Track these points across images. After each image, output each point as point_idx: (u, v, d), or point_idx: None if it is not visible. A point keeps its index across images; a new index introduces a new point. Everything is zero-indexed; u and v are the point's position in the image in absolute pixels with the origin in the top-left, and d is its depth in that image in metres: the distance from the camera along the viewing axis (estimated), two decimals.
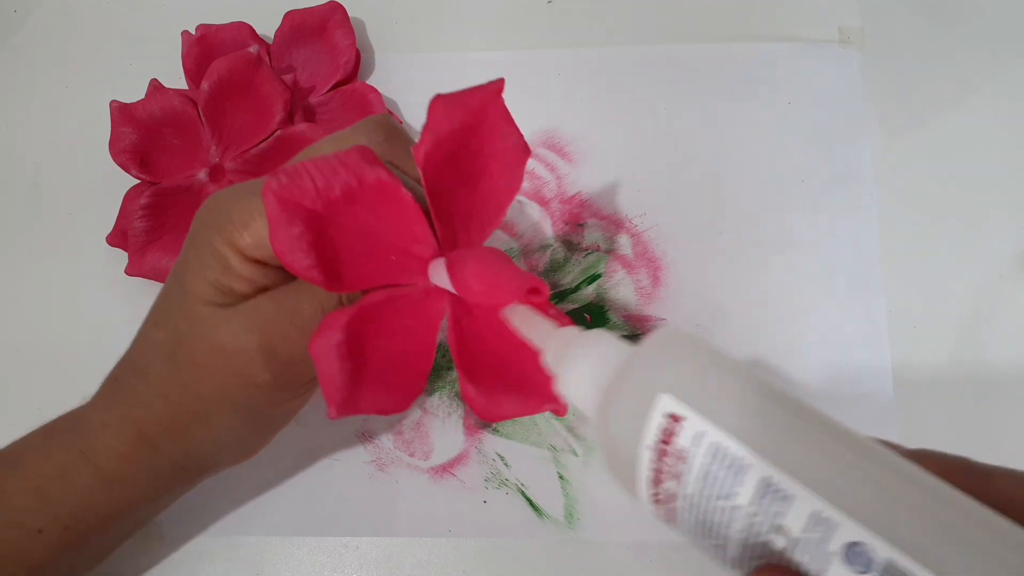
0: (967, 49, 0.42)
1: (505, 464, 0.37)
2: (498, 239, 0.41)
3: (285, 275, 0.28)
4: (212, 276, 0.27)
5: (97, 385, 0.31)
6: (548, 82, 0.43)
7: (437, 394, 0.38)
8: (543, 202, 0.41)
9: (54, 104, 0.45)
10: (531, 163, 0.42)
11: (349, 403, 0.26)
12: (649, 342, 0.23)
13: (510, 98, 0.44)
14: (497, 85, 0.28)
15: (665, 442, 0.20)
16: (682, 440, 0.20)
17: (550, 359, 0.26)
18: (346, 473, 0.37)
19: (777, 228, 0.40)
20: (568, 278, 0.40)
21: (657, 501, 0.21)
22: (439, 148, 0.26)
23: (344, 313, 0.26)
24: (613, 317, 0.39)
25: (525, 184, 0.41)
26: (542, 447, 0.37)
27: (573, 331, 0.26)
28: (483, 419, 0.30)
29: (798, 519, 0.18)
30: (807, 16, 0.43)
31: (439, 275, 0.27)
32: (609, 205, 0.41)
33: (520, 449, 0.37)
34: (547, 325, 0.26)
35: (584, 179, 0.41)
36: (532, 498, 0.37)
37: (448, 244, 0.28)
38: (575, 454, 0.37)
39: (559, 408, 0.27)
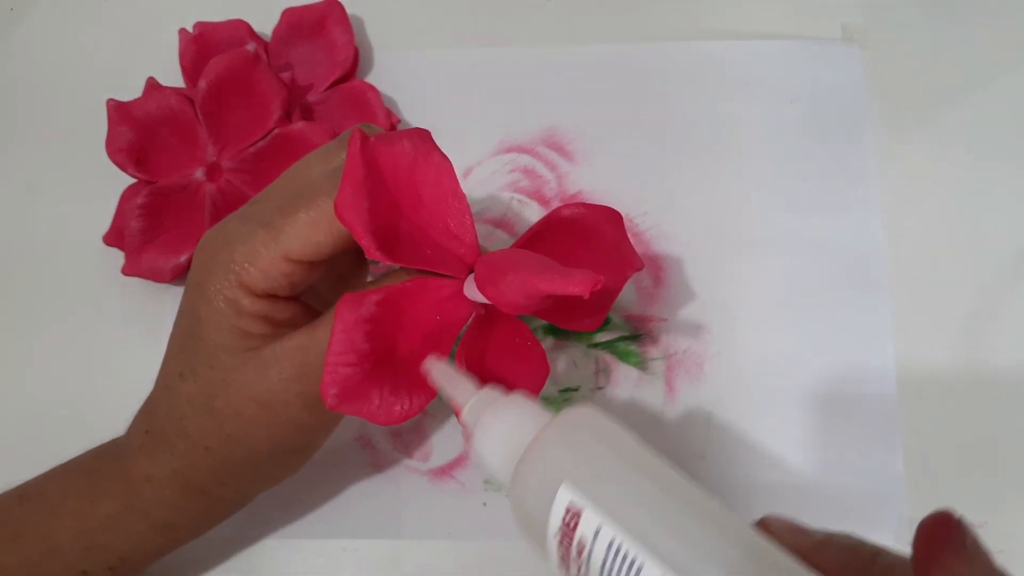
0: (970, 46, 0.42)
1: None
2: (498, 238, 0.40)
3: (296, 306, 0.29)
4: (228, 323, 0.27)
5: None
6: (548, 80, 0.43)
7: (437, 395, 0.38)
8: (543, 201, 0.41)
9: (50, 102, 0.44)
10: (531, 161, 0.41)
11: (353, 393, 0.26)
12: (556, 422, 0.23)
13: (510, 97, 0.44)
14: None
15: (565, 532, 0.20)
16: (581, 532, 0.20)
17: (466, 419, 0.26)
18: (345, 475, 0.37)
19: (779, 227, 0.40)
20: None
21: None
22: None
23: (377, 292, 0.26)
24: (614, 317, 0.39)
25: (525, 183, 0.41)
26: None
27: (493, 394, 0.26)
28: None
29: None
30: (810, 13, 0.43)
31: (472, 289, 0.27)
32: (610, 204, 0.40)
33: None
34: (467, 383, 0.26)
35: (585, 178, 0.41)
36: None
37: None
38: None
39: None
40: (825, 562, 0.20)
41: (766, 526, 0.21)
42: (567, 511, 0.21)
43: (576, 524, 0.20)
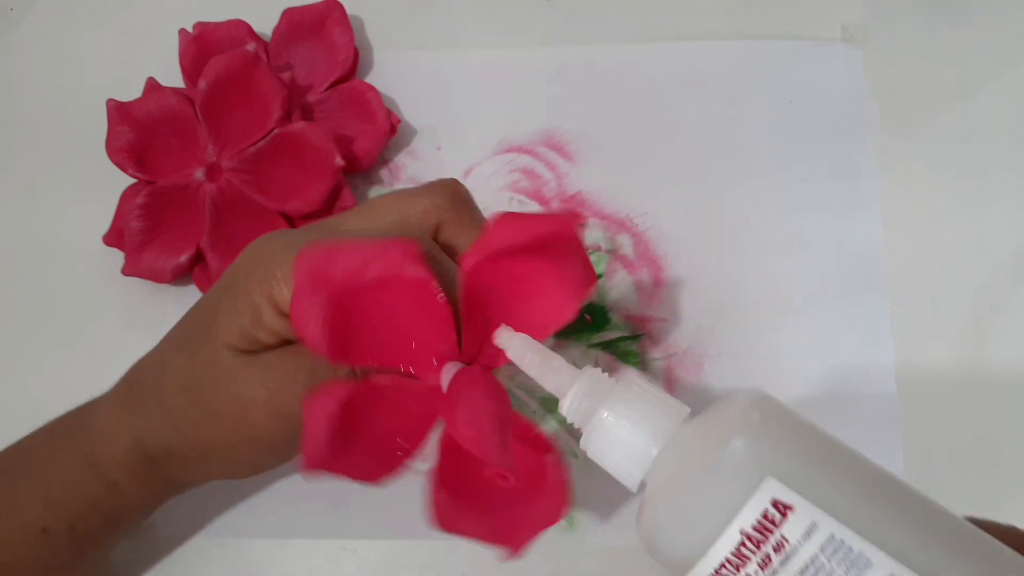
0: (970, 47, 0.42)
1: None
2: None
3: None
4: (241, 324, 0.27)
5: (94, 387, 0.31)
6: (548, 80, 0.43)
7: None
8: (543, 201, 0.41)
9: (50, 102, 0.44)
10: (531, 162, 0.41)
11: (325, 465, 0.25)
12: (735, 407, 0.20)
13: (510, 97, 0.44)
14: (572, 218, 0.25)
15: (762, 530, 0.19)
16: (787, 530, 0.18)
17: (572, 408, 0.23)
18: None
19: (779, 227, 0.40)
20: None
21: None
22: (490, 261, 0.25)
23: (349, 384, 0.25)
24: (614, 317, 0.39)
25: (525, 183, 0.41)
26: None
27: (599, 375, 0.23)
28: (437, 526, 0.27)
29: None
30: (810, 14, 0.43)
31: (447, 382, 0.26)
32: (610, 204, 0.40)
33: None
34: (564, 364, 0.23)
35: (585, 178, 0.41)
36: None
37: (471, 353, 0.26)
38: (575, 456, 0.37)
39: (518, 556, 0.25)
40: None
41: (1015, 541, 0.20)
42: (771, 507, 0.18)
43: (779, 523, 0.18)
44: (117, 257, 0.39)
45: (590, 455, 0.22)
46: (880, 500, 0.19)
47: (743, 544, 0.19)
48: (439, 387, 0.26)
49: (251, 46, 0.39)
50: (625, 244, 0.40)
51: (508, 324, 0.25)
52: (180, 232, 0.39)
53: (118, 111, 0.40)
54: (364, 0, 0.44)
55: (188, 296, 0.40)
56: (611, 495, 0.36)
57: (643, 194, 0.40)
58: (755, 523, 0.19)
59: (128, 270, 0.39)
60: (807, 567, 0.18)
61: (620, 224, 0.40)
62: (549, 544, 0.36)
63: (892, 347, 0.38)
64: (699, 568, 0.20)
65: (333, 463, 0.25)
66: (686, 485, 0.20)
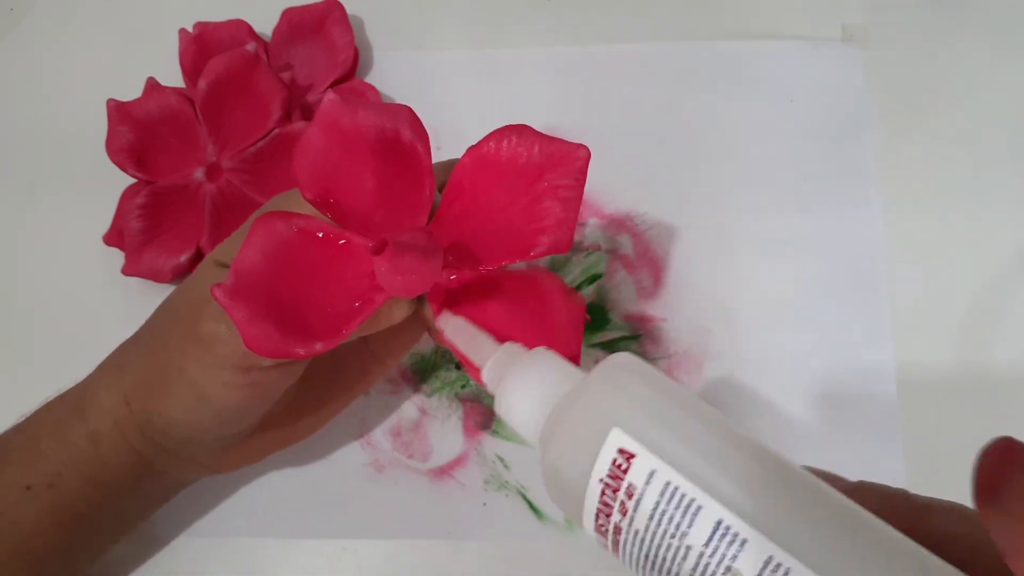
0: (970, 46, 0.42)
1: (505, 466, 0.37)
2: None
3: None
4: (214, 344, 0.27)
5: None
6: (548, 80, 0.43)
7: (436, 395, 0.38)
8: None
9: (50, 102, 0.44)
10: None
11: (243, 296, 0.25)
12: (601, 369, 0.22)
13: (510, 97, 0.44)
14: (580, 148, 0.28)
15: (614, 477, 0.20)
16: (632, 476, 0.20)
17: (488, 376, 0.25)
18: (344, 475, 0.37)
19: (780, 227, 0.40)
20: (569, 278, 0.39)
21: (602, 532, 0.21)
22: (489, 163, 0.28)
23: (298, 218, 0.26)
24: (614, 317, 0.39)
25: None
26: None
27: (514, 348, 0.25)
28: None
29: (751, 564, 0.18)
30: (810, 13, 0.43)
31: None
32: (610, 204, 0.40)
33: (520, 451, 0.37)
34: (486, 339, 0.26)
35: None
36: (532, 500, 0.36)
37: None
38: None
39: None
40: (862, 503, 0.20)
41: (864, 495, 0.21)
42: (617, 455, 0.20)
43: (627, 469, 0.20)
44: (117, 257, 0.39)
45: (500, 415, 0.25)
46: (715, 451, 0.20)
47: (604, 492, 0.20)
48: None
49: (251, 46, 0.40)
50: (625, 244, 0.40)
51: (483, 228, 0.28)
52: (180, 232, 0.39)
53: (118, 111, 0.40)
54: (364, 0, 0.44)
55: None
56: None
57: (643, 194, 0.40)
58: (609, 471, 0.20)
59: (128, 270, 0.39)
60: (653, 513, 0.19)
61: (620, 224, 0.40)
62: (549, 544, 0.36)
63: (892, 347, 0.38)
64: (585, 519, 0.21)
65: (257, 291, 0.25)
66: (562, 440, 0.22)
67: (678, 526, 0.19)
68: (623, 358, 0.23)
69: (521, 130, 0.28)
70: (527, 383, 0.24)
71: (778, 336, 0.38)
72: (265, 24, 0.43)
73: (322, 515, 0.37)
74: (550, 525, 0.36)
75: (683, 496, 0.19)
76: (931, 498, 0.21)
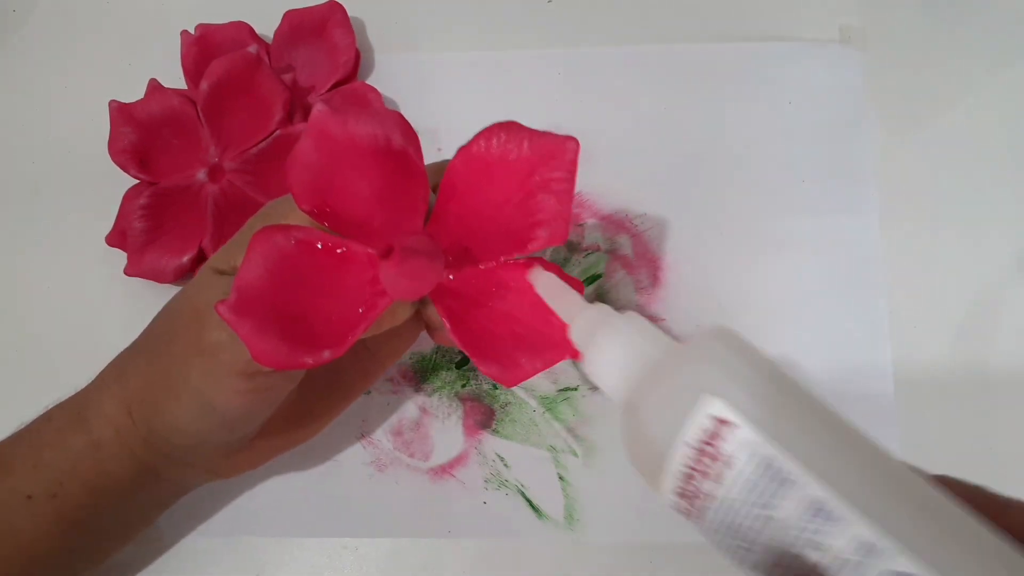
0: (968, 48, 0.42)
1: (505, 465, 0.37)
2: None
3: None
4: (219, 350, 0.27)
5: None
6: (548, 81, 0.43)
7: (436, 394, 0.38)
8: None
9: (53, 104, 0.45)
10: None
11: (254, 300, 0.25)
12: (704, 338, 0.23)
13: (510, 98, 0.44)
14: (569, 140, 0.28)
15: (708, 443, 0.20)
16: (729, 445, 0.20)
17: (577, 335, 0.25)
18: (345, 474, 0.37)
19: (778, 228, 0.40)
20: None
21: (683, 496, 0.21)
22: (480, 162, 0.28)
23: (299, 230, 0.26)
24: None
25: None
26: (542, 448, 0.37)
27: (605, 309, 0.25)
28: (508, 386, 0.30)
29: (844, 541, 0.18)
30: (808, 15, 0.43)
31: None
32: (609, 205, 0.41)
33: (520, 450, 0.37)
34: (575, 297, 0.26)
35: (584, 178, 0.41)
36: (532, 499, 0.36)
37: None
38: (575, 455, 0.37)
39: (576, 354, 0.27)
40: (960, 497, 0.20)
41: (948, 487, 0.21)
42: (713, 423, 0.20)
43: (724, 438, 0.20)
44: (120, 257, 0.40)
45: (587, 374, 0.25)
46: (812, 428, 0.20)
47: (695, 458, 0.21)
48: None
49: (253, 48, 0.40)
50: (625, 244, 0.40)
51: (479, 227, 0.28)
52: (182, 233, 0.39)
53: (120, 112, 0.40)
54: (365, 2, 0.44)
55: None
56: (611, 494, 0.36)
57: (643, 194, 0.41)
58: (703, 437, 0.20)
59: (130, 270, 0.39)
60: (743, 480, 0.20)
61: (619, 224, 0.40)
62: (549, 544, 0.36)
63: (890, 347, 0.38)
64: (664, 481, 0.22)
65: (260, 305, 0.25)
66: (655, 403, 0.22)
67: (770, 498, 0.19)
68: (723, 330, 0.23)
69: (509, 127, 0.28)
70: (620, 344, 0.24)
71: (777, 336, 0.38)
72: (266, 26, 0.43)
73: (324, 514, 0.37)
74: (549, 523, 0.36)
75: (780, 469, 0.19)
76: (1009, 496, 0.21)
